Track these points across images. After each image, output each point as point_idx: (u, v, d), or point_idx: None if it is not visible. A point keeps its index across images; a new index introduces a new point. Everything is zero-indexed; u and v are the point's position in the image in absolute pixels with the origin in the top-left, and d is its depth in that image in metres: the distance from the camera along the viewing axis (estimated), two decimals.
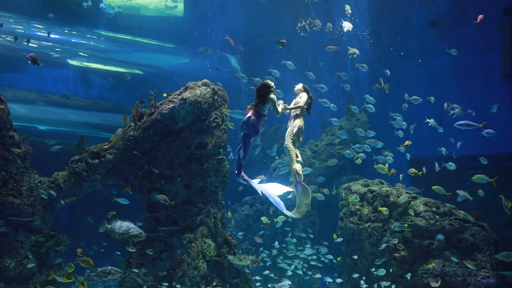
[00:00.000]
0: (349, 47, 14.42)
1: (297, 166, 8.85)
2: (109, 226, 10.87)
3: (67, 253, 13.44)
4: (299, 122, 9.02)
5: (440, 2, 20.06)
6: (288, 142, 8.95)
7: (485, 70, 18.35)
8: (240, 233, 19.06)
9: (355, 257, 14.10)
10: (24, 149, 12.57)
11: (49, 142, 14.92)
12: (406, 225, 13.15)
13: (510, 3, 17.85)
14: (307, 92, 9.33)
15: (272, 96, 8.50)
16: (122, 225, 10.79)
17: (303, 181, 8.80)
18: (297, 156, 8.90)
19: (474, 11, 19.09)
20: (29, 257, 12.14)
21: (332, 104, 15.50)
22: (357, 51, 14.25)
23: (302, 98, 9.21)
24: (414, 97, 14.92)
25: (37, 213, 12.43)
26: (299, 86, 9.48)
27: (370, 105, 15.37)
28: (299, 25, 13.53)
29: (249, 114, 8.40)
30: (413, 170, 13.53)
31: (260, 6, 28.65)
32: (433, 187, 13.52)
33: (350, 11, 15.73)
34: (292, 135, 8.96)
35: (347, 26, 14.29)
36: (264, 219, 16.58)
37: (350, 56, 14.32)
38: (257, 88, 8.52)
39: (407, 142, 14.50)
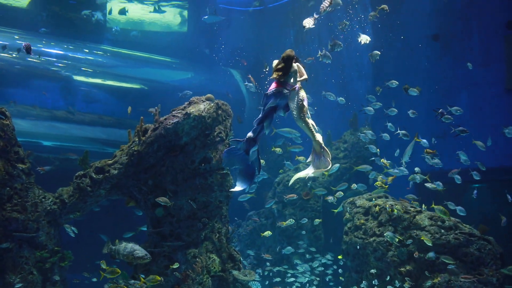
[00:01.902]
0: (360, 34, 14.29)
1: (319, 137, 8.32)
2: (114, 247, 10.86)
3: (72, 269, 13.44)
4: (304, 93, 8.54)
5: (443, 15, 20.12)
6: (303, 117, 8.16)
7: (489, 83, 18.35)
8: (252, 252, 19.05)
9: (373, 271, 13.99)
10: (28, 164, 12.59)
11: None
12: (397, 239, 13.16)
13: None
14: (298, 60, 8.53)
15: (295, 65, 8.06)
16: (127, 247, 10.78)
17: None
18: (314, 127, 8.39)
19: (477, 24, 19.15)
20: (33, 273, 12.10)
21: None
22: (368, 38, 14.09)
23: (301, 68, 8.69)
24: (455, 107, 14.84)
25: (42, 229, 12.42)
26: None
27: (404, 132, 15.21)
28: (320, 53, 13.45)
29: (275, 86, 7.92)
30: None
31: (263, 20, 28.80)
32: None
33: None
34: (304, 108, 8.43)
35: (363, 39, 14.20)
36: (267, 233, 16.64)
37: (362, 43, 14.17)
38: (281, 62, 7.96)
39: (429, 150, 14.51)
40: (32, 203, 12.31)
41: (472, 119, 17.19)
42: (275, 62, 8.23)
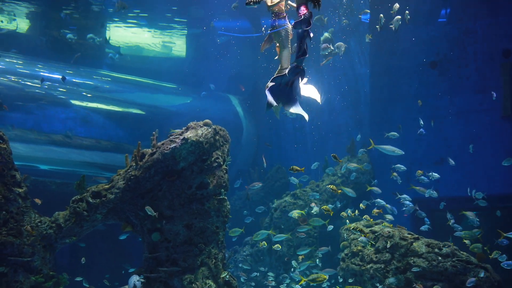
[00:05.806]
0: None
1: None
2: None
3: None
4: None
5: (440, 43, 20.27)
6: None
7: (486, 110, 18.42)
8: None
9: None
10: (25, 188, 12.56)
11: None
12: (370, 243, 13.26)
13: (509, 44, 18.06)
14: None
15: None
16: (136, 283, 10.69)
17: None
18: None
19: (473, 52, 19.29)
20: None
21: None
22: (399, 16, 14.04)
23: None
24: None
25: (37, 253, 12.34)
26: None
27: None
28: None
29: (307, 10, 8.13)
30: None
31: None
32: None
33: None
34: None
35: (395, 21, 14.11)
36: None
37: (397, 27, 14.15)
38: None
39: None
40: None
41: (468, 146, 17.21)
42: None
